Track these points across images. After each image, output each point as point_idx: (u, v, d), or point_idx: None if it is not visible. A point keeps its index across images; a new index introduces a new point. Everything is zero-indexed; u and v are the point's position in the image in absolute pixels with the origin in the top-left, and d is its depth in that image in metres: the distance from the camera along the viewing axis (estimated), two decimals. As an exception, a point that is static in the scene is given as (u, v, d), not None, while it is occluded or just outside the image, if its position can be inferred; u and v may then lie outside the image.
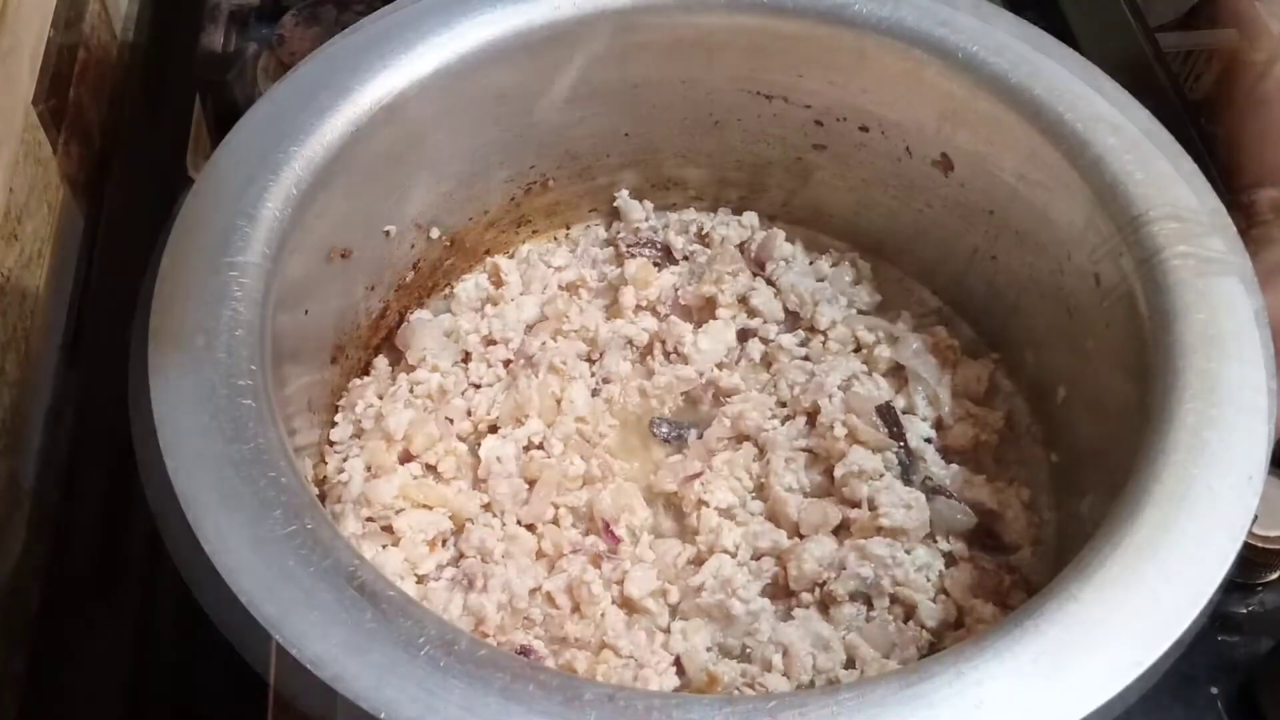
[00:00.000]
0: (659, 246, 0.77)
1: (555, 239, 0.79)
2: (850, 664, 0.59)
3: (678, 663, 0.59)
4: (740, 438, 0.69)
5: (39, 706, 0.64)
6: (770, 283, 0.75)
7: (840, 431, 0.66)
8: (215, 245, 0.55)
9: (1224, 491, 0.50)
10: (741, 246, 0.76)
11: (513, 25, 0.66)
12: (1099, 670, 0.45)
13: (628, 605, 0.61)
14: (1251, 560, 0.63)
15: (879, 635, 0.60)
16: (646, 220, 0.78)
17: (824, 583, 0.61)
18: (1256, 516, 0.50)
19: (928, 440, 0.68)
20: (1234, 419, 0.52)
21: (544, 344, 0.70)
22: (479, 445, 0.66)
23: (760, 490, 0.66)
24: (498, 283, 0.75)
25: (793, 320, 0.74)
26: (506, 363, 0.70)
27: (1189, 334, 0.54)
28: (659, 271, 0.75)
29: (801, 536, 0.63)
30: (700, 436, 0.69)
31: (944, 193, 0.71)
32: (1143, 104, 0.63)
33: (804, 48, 0.69)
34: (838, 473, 0.65)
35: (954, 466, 0.67)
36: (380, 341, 0.72)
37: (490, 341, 0.71)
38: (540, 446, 0.66)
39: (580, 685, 0.44)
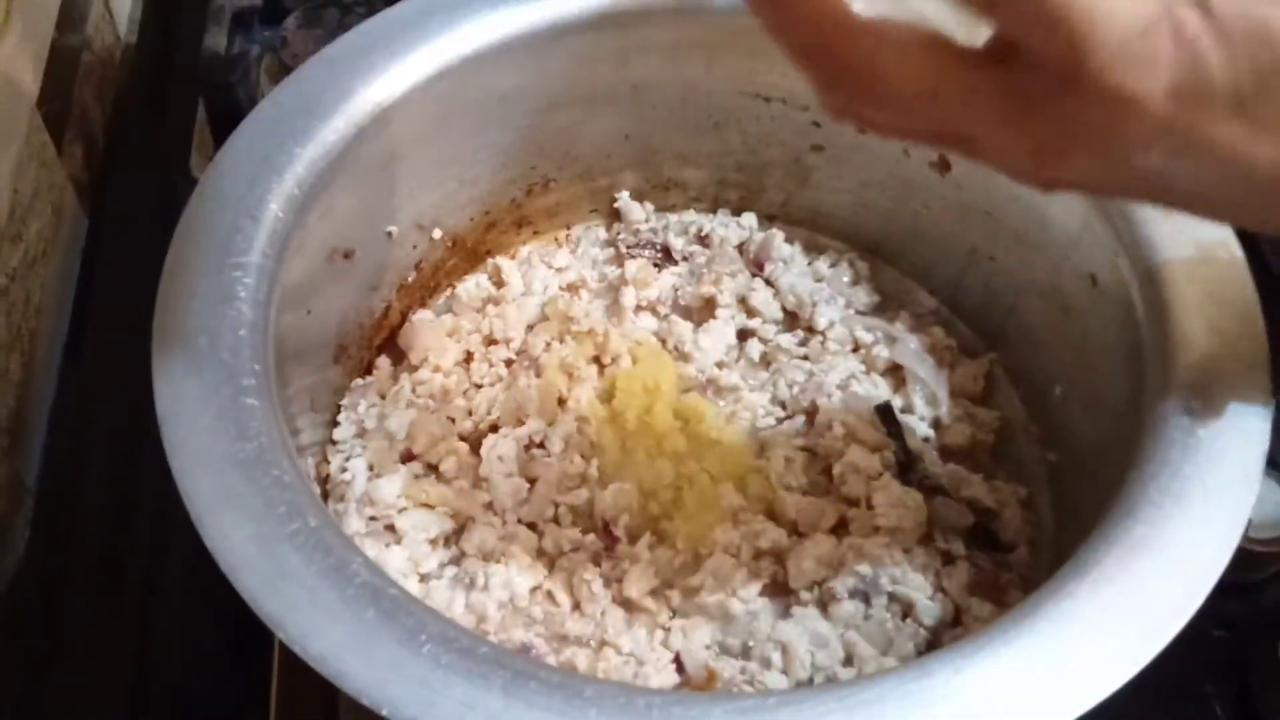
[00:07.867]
0: (659, 247, 0.77)
1: (556, 240, 0.79)
2: (849, 661, 0.59)
3: (677, 660, 0.59)
4: (740, 437, 0.69)
5: (39, 706, 0.64)
6: (769, 283, 0.75)
7: (839, 430, 0.66)
8: (218, 246, 0.56)
9: (1220, 489, 0.50)
10: (740, 247, 0.77)
11: (515, 28, 0.66)
12: (1096, 668, 0.45)
13: (627, 604, 0.61)
14: (1248, 560, 0.64)
15: (877, 633, 0.60)
16: (646, 221, 0.78)
17: (822, 581, 0.61)
18: (1251, 520, 0.50)
19: (926, 439, 0.69)
20: (1231, 417, 0.52)
21: (547, 344, 0.71)
22: (480, 445, 0.66)
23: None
24: (499, 283, 0.75)
25: (791, 320, 0.74)
26: (508, 362, 0.71)
27: (1185, 333, 0.55)
28: (659, 272, 0.76)
29: (800, 535, 0.64)
30: (700, 436, 0.69)
31: (942, 193, 0.72)
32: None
33: (803, 50, 0.69)
34: (836, 471, 0.65)
35: (952, 465, 0.67)
36: (383, 341, 0.72)
37: (492, 341, 0.72)
38: (541, 445, 0.67)
39: (581, 683, 0.44)
